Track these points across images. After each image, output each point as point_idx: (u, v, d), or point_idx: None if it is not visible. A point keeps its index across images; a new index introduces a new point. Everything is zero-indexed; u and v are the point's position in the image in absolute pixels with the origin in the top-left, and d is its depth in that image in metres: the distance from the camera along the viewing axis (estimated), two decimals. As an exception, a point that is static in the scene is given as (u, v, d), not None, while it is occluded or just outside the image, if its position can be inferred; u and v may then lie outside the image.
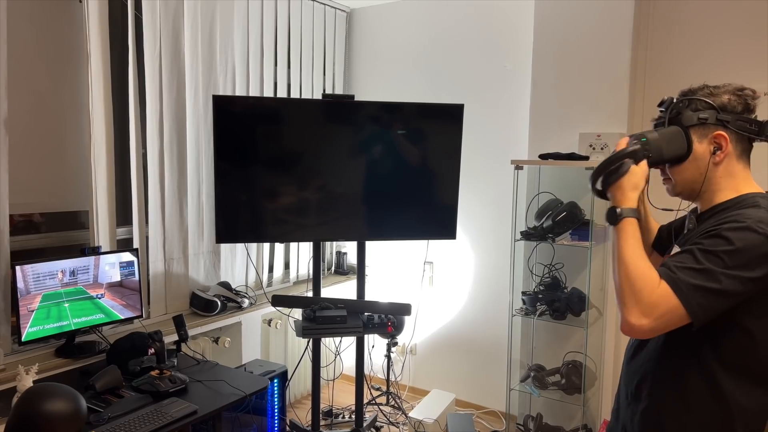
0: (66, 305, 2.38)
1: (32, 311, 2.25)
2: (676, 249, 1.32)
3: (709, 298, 1.16)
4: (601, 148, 2.93)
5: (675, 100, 1.32)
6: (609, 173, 1.31)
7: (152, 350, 2.41)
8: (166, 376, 2.25)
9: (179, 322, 2.62)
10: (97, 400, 2.12)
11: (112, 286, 2.55)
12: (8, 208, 2.31)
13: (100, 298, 2.49)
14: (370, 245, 4.11)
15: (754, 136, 1.27)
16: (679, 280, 1.17)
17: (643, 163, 1.30)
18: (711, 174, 1.28)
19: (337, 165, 2.95)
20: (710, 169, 1.28)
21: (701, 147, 1.27)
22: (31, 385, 1.96)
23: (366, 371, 3.92)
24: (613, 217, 1.28)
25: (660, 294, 1.17)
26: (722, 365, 1.23)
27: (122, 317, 2.58)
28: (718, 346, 1.23)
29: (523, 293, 3.16)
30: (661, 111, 1.34)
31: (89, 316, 2.47)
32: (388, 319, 3.00)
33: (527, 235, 3.09)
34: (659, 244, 1.52)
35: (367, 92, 4.14)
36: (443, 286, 3.91)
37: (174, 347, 2.66)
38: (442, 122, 3.01)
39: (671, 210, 1.44)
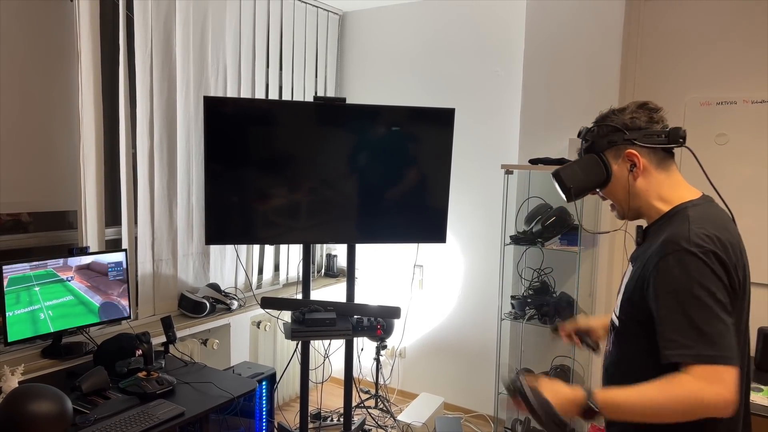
0: (36, 289, 2.34)
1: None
2: (629, 269, 1.37)
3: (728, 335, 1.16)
4: (591, 154, 2.95)
5: (588, 130, 1.39)
6: (554, 420, 1.21)
7: (140, 352, 2.39)
8: (153, 378, 2.24)
9: (167, 324, 2.60)
10: (83, 401, 2.10)
11: (81, 269, 2.51)
12: (-4, 208, 2.30)
13: (69, 281, 2.45)
14: (360, 248, 4.12)
15: (665, 146, 1.32)
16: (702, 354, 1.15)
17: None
18: (637, 189, 1.35)
19: (328, 168, 2.95)
20: (634, 185, 1.34)
21: (618, 167, 1.35)
22: (17, 386, 1.94)
23: (355, 374, 3.92)
24: (593, 414, 1.21)
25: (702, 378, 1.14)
26: None
27: (89, 299, 2.53)
28: None
29: (512, 297, 3.17)
30: (581, 142, 1.42)
31: (59, 298, 2.42)
32: (378, 322, 3.00)
33: (517, 240, 3.10)
34: None
35: (358, 95, 4.15)
36: (433, 289, 3.92)
37: (162, 349, 2.65)
38: (433, 126, 3.02)
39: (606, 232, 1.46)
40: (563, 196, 1.41)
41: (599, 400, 1.19)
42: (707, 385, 1.13)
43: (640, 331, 1.28)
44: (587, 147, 1.39)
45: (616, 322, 1.38)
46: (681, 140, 1.33)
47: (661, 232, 1.29)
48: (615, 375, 1.40)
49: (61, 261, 2.43)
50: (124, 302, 2.65)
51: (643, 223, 1.43)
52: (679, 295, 1.18)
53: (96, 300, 2.55)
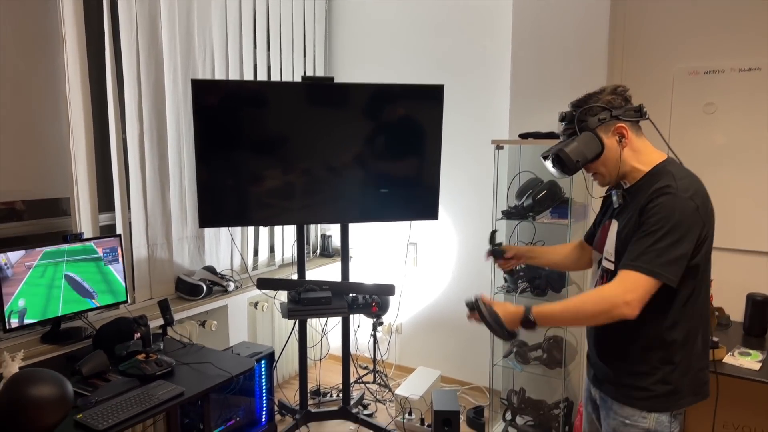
0: (64, 266, 2.39)
1: (29, 267, 2.27)
2: (614, 224, 1.66)
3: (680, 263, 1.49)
4: (580, 127, 2.96)
5: (574, 113, 1.62)
6: (501, 329, 1.60)
7: (138, 335, 2.43)
8: (152, 360, 2.28)
9: (164, 307, 2.63)
10: (84, 384, 2.14)
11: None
12: (-12, 196, 2.31)
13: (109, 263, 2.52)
14: (355, 228, 4.15)
15: (639, 119, 1.62)
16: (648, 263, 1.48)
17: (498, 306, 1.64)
18: (624, 157, 1.61)
19: (319, 148, 2.96)
20: (623, 154, 1.60)
21: (609, 140, 1.60)
22: (17, 371, 1.98)
23: (353, 350, 3.97)
24: (531, 324, 1.55)
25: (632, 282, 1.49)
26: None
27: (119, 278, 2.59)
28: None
29: (505, 271, 3.20)
30: (565, 124, 1.65)
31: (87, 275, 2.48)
32: (373, 300, 3.04)
33: (508, 214, 3.12)
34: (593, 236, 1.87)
35: (348, 74, 4.13)
36: (428, 266, 3.96)
37: (160, 331, 2.68)
38: (423, 103, 3.02)
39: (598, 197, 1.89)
40: (562, 173, 1.64)
41: (534, 312, 1.54)
42: (620, 288, 1.47)
43: None
44: (580, 126, 1.61)
45: (611, 267, 1.63)
46: (645, 114, 1.63)
47: (646, 188, 1.56)
48: None
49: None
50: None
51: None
52: (659, 224, 1.47)
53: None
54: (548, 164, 1.68)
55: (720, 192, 2.84)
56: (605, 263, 1.68)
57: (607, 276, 1.66)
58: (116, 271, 2.59)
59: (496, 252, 2.10)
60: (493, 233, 2.14)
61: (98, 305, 2.58)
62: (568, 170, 1.62)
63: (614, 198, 1.67)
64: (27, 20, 2.52)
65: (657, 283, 1.47)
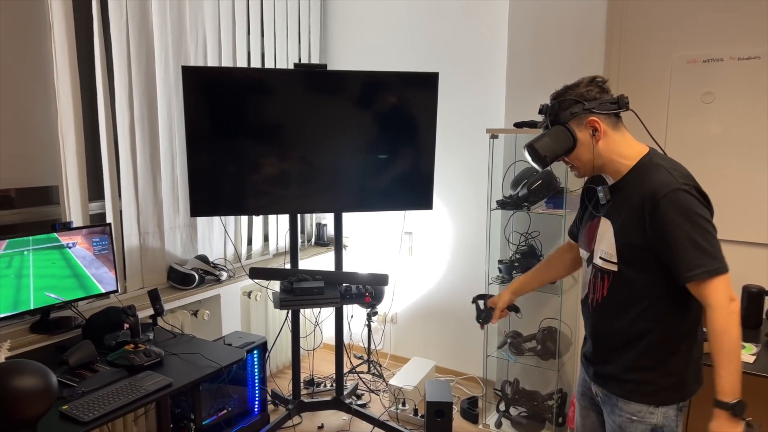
0: (30, 255, 2.32)
1: None
2: (605, 222, 1.62)
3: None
4: (576, 116, 2.93)
5: (549, 105, 1.61)
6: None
7: (127, 325, 2.40)
8: (140, 350, 2.26)
9: (154, 297, 2.61)
10: (71, 375, 2.12)
11: (92, 234, 2.51)
12: (-26, 185, 2.28)
13: (70, 248, 2.42)
14: (351, 217, 4.12)
15: (616, 111, 1.57)
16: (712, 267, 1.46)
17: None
18: (599, 150, 1.57)
19: (312, 136, 2.92)
20: (596, 147, 1.57)
21: (582, 134, 1.57)
22: (3, 361, 1.95)
23: (347, 340, 3.97)
24: (743, 407, 1.48)
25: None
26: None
27: (88, 271, 2.50)
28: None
29: (500, 261, 3.18)
30: (543, 117, 1.64)
31: (51, 268, 2.40)
32: (366, 290, 3.02)
33: (503, 204, 3.10)
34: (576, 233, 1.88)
35: (343, 61, 4.08)
36: (423, 255, 3.93)
37: (150, 321, 2.66)
38: (417, 91, 2.98)
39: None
40: (537, 165, 1.62)
41: (733, 398, 1.45)
42: (716, 302, 1.44)
43: (643, 269, 1.54)
44: (552, 120, 1.60)
45: (613, 268, 1.60)
46: (626, 105, 1.57)
47: (635, 184, 1.54)
48: (618, 311, 1.62)
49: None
50: (111, 276, 2.64)
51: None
52: (683, 225, 1.44)
53: (97, 272, 2.55)
54: (527, 156, 1.66)
55: (717, 182, 2.82)
56: (601, 263, 1.64)
57: (608, 278, 1.62)
58: (78, 256, 2.48)
59: (487, 319, 2.08)
60: (476, 302, 2.11)
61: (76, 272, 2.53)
62: (541, 164, 1.60)
63: (600, 195, 1.63)
64: (13, 4, 2.48)
65: (726, 274, 1.46)
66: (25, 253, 2.32)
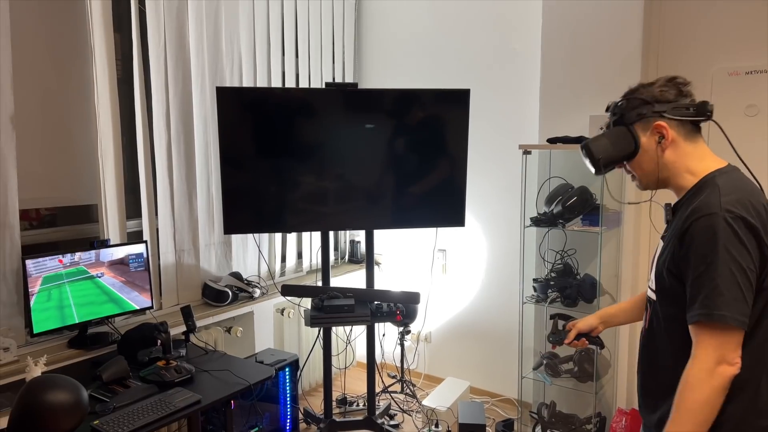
0: (67, 287, 2.41)
1: (33, 294, 2.29)
2: (660, 244, 1.44)
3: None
4: (612, 131, 2.85)
5: (617, 104, 1.43)
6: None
7: (160, 341, 2.44)
8: (172, 367, 2.29)
9: (187, 313, 2.65)
10: (104, 390, 2.16)
11: (113, 264, 2.57)
12: (18, 203, 2.36)
13: (99, 277, 2.51)
14: (385, 234, 4.12)
15: (693, 118, 1.36)
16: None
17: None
18: (665, 160, 1.38)
19: (345, 154, 2.94)
20: (662, 156, 1.38)
21: (647, 139, 1.38)
22: (38, 375, 2.01)
23: (380, 359, 3.93)
24: None
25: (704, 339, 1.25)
26: None
27: (122, 295, 2.59)
28: None
29: (535, 280, 3.11)
30: (609, 116, 1.46)
31: (89, 296, 2.49)
32: (397, 308, 2.99)
33: (537, 221, 3.03)
34: None
35: (377, 79, 4.11)
36: (456, 273, 3.88)
37: (183, 338, 2.70)
38: (449, 107, 2.97)
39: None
40: (591, 168, 1.45)
41: None
42: (711, 353, 1.22)
43: (675, 301, 1.33)
44: (616, 120, 1.42)
45: (653, 297, 1.42)
46: (708, 113, 1.36)
47: (690, 203, 1.33)
48: (652, 350, 1.44)
49: (92, 256, 2.50)
50: (146, 294, 2.70)
51: (671, 200, 1.45)
52: (705, 257, 1.24)
53: (129, 296, 2.63)
54: (584, 158, 1.47)
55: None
56: (649, 292, 1.47)
57: (650, 307, 1.45)
58: (109, 284, 2.57)
59: (556, 342, 1.86)
60: (554, 319, 1.95)
61: (112, 297, 2.60)
62: (594, 167, 1.43)
63: (665, 213, 1.45)
64: (57, 30, 2.59)
65: (732, 330, 1.22)
66: (63, 286, 2.40)
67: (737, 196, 1.26)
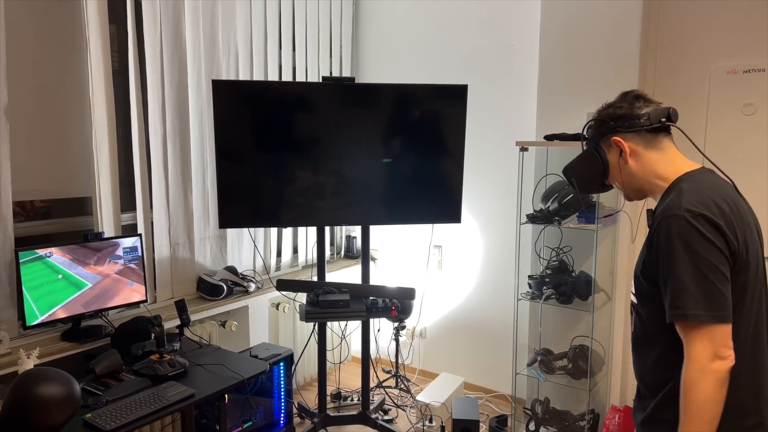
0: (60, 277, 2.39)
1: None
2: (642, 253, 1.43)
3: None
4: (609, 128, 2.85)
5: (586, 126, 1.52)
6: None
7: (153, 335, 2.43)
8: (165, 360, 2.28)
9: (181, 307, 2.64)
10: (96, 383, 2.15)
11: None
12: (11, 195, 2.35)
13: (49, 257, 2.40)
14: (381, 230, 4.11)
15: (648, 127, 1.41)
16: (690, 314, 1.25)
17: None
18: (631, 171, 1.44)
19: (341, 149, 2.93)
20: (626, 168, 1.44)
21: (611, 156, 1.47)
22: (30, 368, 2.00)
23: (375, 354, 3.94)
24: None
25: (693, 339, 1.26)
26: None
27: (71, 272, 2.47)
28: None
29: (530, 277, 3.11)
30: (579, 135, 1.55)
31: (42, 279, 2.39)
32: (392, 303, 2.99)
33: (533, 218, 3.03)
34: None
35: (374, 74, 4.09)
36: (452, 269, 3.88)
37: (177, 331, 2.69)
38: (447, 103, 2.96)
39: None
40: (575, 189, 1.55)
41: None
42: (703, 350, 1.23)
43: (653, 303, 1.36)
44: (586, 142, 1.52)
45: (635, 300, 1.45)
46: (663, 120, 1.40)
47: (658, 209, 1.38)
48: (641, 351, 1.46)
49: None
50: (141, 286, 2.69)
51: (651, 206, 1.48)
52: (671, 256, 1.27)
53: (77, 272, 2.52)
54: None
55: (759, 198, 2.69)
56: (631, 296, 1.50)
57: (633, 311, 1.47)
58: (62, 265, 2.44)
59: None
60: None
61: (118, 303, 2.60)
62: (573, 189, 1.54)
63: (647, 219, 1.47)
64: (51, 21, 2.57)
65: (713, 326, 1.23)
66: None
67: (699, 196, 1.29)
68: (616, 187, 1.52)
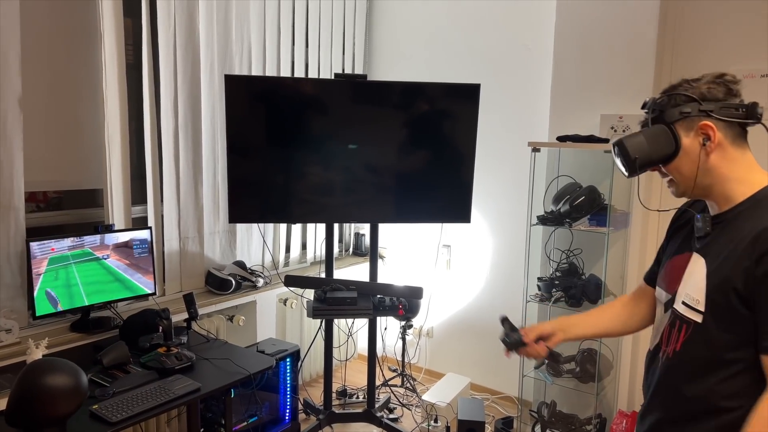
0: (73, 267, 2.42)
1: (39, 275, 2.30)
2: (697, 260, 1.28)
3: None
4: (623, 131, 2.82)
5: (656, 99, 1.29)
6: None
7: (161, 327, 2.44)
8: (172, 354, 2.29)
9: (189, 301, 2.65)
10: (104, 374, 2.16)
11: (118, 247, 2.58)
12: (23, 186, 2.36)
13: (105, 259, 2.52)
14: (390, 228, 4.10)
15: (742, 121, 1.22)
16: None
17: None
18: (709, 165, 1.24)
19: (351, 146, 2.92)
20: (705, 161, 1.24)
21: (689, 141, 1.24)
22: (39, 359, 2.01)
23: (381, 352, 3.93)
24: None
25: None
26: None
27: (127, 276, 2.61)
28: None
29: (539, 279, 3.09)
30: (645, 113, 1.32)
31: (96, 277, 2.50)
32: (400, 302, 2.98)
33: (544, 220, 3.01)
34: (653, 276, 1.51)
35: (387, 72, 4.08)
36: (461, 269, 3.87)
37: (185, 325, 2.70)
38: (459, 102, 2.94)
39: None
40: (624, 169, 1.31)
41: None
42: None
43: (733, 326, 1.20)
44: (655, 117, 1.28)
45: (695, 318, 1.26)
46: (759, 117, 1.23)
47: (750, 218, 1.20)
48: (682, 376, 1.30)
49: (97, 239, 2.51)
50: (150, 279, 2.70)
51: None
52: None
53: (134, 278, 2.63)
54: (615, 158, 1.34)
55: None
56: (682, 309, 1.30)
57: (686, 328, 1.28)
58: (114, 266, 2.58)
59: (513, 344, 1.62)
60: (503, 321, 1.70)
61: (117, 278, 2.62)
62: (628, 168, 1.29)
63: (698, 224, 1.30)
64: (66, 14, 2.58)
65: None
66: (69, 266, 2.41)
67: None
68: (673, 178, 1.31)
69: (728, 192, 1.25)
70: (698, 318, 1.25)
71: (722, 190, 1.26)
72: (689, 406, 1.28)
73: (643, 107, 1.33)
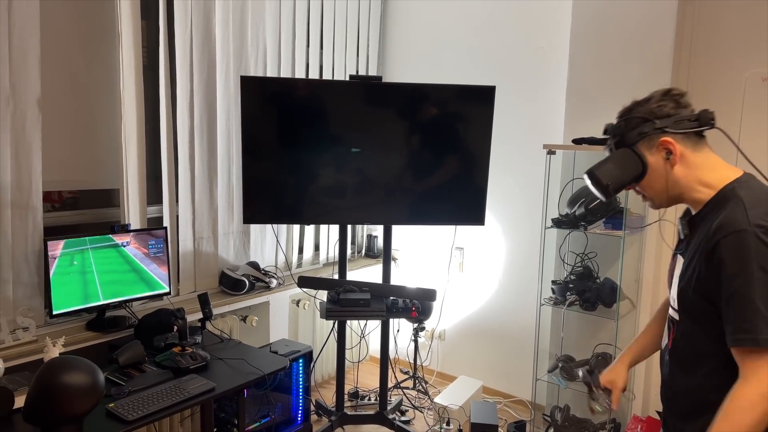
0: (90, 253, 2.44)
1: (55, 258, 2.31)
2: (680, 260, 1.37)
3: None
4: (639, 133, 2.80)
5: (615, 125, 1.38)
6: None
7: (176, 327, 2.45)
8: (187, 353, 2.30)
9: (204, 301, 2.66)
10: (120, 373, 2.18)
11: (139, 235, 2.61)
12: (41, 186, 2.39)
13: (124, 246, 2.53)
14: (402, 230, 4.10)
15: (697, 129, 1.30)
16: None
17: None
18: (676, 176, 1.32)
19: (366, 148, 2.92)
20: (672, 173, 1.32)
21: (653, 158, 1.32)
22: (56, 357, 2.03)
23: (394, 354, 3.92)
24: None
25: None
26: None
27: (144, 266, 2.62)
28: None
29: (553, 282, 3.07)
30: (609, 139, 1.40)
31: (112, 264, 2.51)
32: (413, 304, 2.98)
33: (559, 223, 2.99)
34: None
35: (401, 74, 4.08)
36: (474, 272, 3.85)
37: (199, 325, 2.71)
38: (473, 104, 2.94)
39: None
40: (600, 195, 1.39)
41: None
42: (747, 383, 1.16)
43: (702, 321, 1.29)
44: (617, 142, 1.36)
45: (675, 316, 1.37)
46: (711, 122, 1.31)
47: (711, 218, 1.27)
48: (677, 370, 1.39)
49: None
50: (165, 271, 2.71)
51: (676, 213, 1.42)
52: (739, 277, 1.17)
53: (149, 268, 2.64)
54: (588, 184, 1.41)
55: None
56: (670, 309, 1.40)
57: (673, 327, 1.38)
58: (132, 254, 2.59)
59: (604, 404, 1.69)
60: (587, 381, 1.78)
61: (142, 294, 2.63)
62: (603, 194, 1.36)
63: (679, 228, 1.39)
64: (85, 16, 2.61)
65: None
66: (86, 251, 2.42)
67: (764, 209, 1.20)
68: (644, 194, 1.39)
69: (696, 196, 1.33)
70: (677, 316, 1.36)
71: (691, 195, 1.33)
72: (686, 400, 1.36)
73: (604, 133, 1.42)
